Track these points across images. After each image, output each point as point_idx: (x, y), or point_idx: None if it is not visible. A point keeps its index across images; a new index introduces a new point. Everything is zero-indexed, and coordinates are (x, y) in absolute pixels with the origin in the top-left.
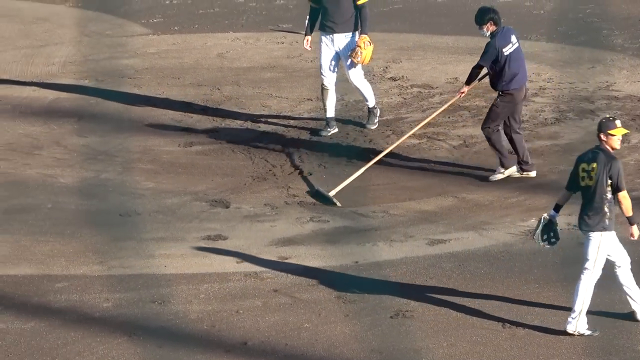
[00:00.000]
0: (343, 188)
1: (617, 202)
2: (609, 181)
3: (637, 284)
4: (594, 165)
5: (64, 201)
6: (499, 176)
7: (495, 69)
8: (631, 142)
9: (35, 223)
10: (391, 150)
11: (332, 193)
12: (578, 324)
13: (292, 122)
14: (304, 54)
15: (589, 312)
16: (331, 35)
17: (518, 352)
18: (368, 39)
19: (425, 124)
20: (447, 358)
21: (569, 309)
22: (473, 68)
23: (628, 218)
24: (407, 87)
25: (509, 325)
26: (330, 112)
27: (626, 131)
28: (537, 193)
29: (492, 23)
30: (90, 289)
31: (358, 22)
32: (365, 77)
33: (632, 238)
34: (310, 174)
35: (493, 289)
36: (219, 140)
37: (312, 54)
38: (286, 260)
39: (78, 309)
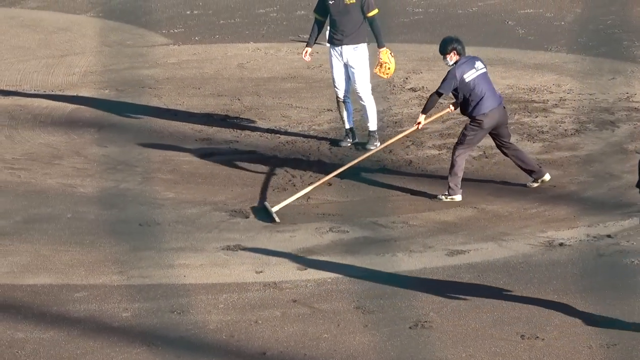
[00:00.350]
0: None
1: None
2: None
3: None
4: None
5: (84, 211)
6: (442, 198)
7: (460, 96)
8: None
9: (55, 232)
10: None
11: (275, 208)
12: None
13: (312, 132)
14: (324, 64)
15: (605, 321)
16: (340, 48)
17: None
18: (389, 51)
19: (369, 156)
20: None
21: (588, 320)
22: (430, 96)
23: None
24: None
25: (527, 336)
26: (349, 123)
27: None
28: (556, 204)
29: (455, 53)
30: (110, 298)
31: (367, 33)
32: (386, 87)
33: None
34: (330, 185)
35: (512, 300)
36: (239, 151)
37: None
38: (305, 271)
39: (97, 319)
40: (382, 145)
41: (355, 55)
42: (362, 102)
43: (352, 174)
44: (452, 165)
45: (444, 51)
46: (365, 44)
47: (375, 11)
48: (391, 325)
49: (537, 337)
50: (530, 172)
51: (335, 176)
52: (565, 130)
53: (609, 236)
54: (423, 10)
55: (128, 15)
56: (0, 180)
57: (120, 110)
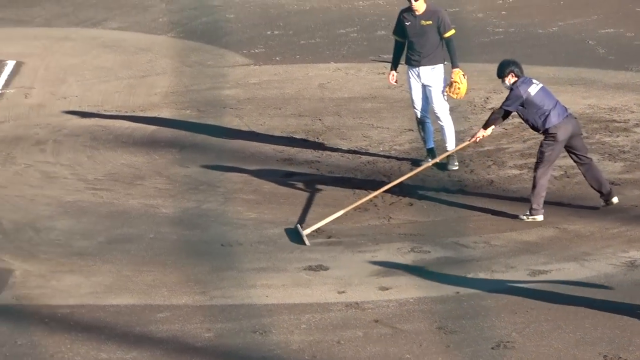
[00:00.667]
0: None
1: None
2: None
3: None
4: None
5: (166, 231)
6: (523, 218)
7: (528, 113)
8: None
9: (137, 253)
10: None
11: (307, 231)
12: None
13: (393, 152)
14: (404, 84)
15: None
16: (417, 69)
17: None
18: (462, 72)
19: (420, 171)
20: None
21: None
22: (493, 113)
23: None
24: (508, 118)
25: (610, 357)
26: (430, 143)
27: None
28: (639, 224)
29: (513, 74)
30: (192, 319)
31: (444, 53)
32: (467, 107)
33: None
34: (411, 205)
35: (594, 320)
36: (320, 171)
37: None
38: (387, 291)
39: (180, 339)
40: (437, 159)
41: (432, 76)
42: (440, 123)
43: (434, 194)
44: (535, 185)
45: (501, 74)
46: (443, 64)
47: (452, 32)
48: (473, 346)
49: (620, 357)
50: (600, 193)
51: (416, 195)
52: None
53: None
54: (503, 30)
55: (209, 35)
56: (82, 200)
57: (202, 130)
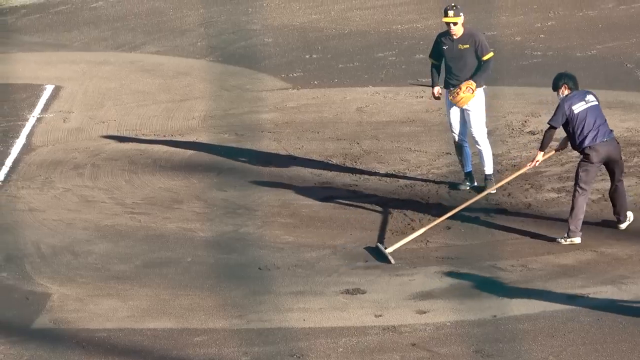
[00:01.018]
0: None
1: None
2: None
3: None
4: None
5: (204, 255)
6: (561, 241)
7: (570, 128)
8: None
9: (175, 277)
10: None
11: (389, 250)
12: None
13: (430, 176)
14: (443, 107)
15: None
16: None
17: None
18: (473, 86)
19: (481, 197)
20: None
21: None
22: (545, 131)
23: None
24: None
25: None
26: (467, 167)
27: None
28: None
29: (566, 87)
30: (229, 342)
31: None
32: (504, 131)
33: None
34: (449, 228)
35: (632, 344)
36: (357, 194)
37: None
38: (424, 314)
39: None
40: (499, 184)
41: (471, 100)
42: (478, 146)
43: (471, 218)
44: (573, 208)
45: (555, 87)
46: (481, 88)
47: (490, 54)
48: None
49: None
50: (617, 216)
51: (454, 218)
52: None
53: None
54: (542, 53)
55: (247, 59)
56: (120, 224)
57: (240, 154)
